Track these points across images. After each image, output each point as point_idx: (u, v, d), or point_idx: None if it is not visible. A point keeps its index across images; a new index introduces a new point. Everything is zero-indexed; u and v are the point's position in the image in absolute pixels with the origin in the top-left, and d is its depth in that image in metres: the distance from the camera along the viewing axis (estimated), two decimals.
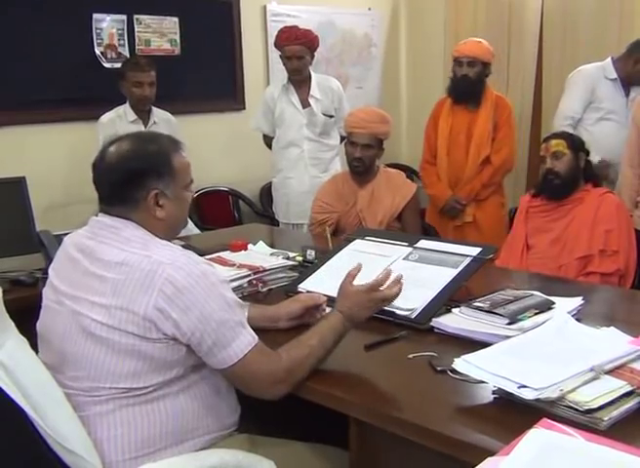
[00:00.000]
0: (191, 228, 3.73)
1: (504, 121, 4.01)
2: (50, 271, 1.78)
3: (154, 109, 4.04)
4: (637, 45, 3.86)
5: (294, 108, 4.19)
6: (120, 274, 1.58)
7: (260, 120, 4.33)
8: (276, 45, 4.18)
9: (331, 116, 4.22)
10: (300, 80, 4.16)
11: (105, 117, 3.93)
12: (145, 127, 3.95)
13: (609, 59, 3.95)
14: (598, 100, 3.91)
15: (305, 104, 4.19)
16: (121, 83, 3.93)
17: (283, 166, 4.28)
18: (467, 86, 3.95)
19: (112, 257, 1.61)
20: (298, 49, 4.05)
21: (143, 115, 3.99)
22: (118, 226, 1.66)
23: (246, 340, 1.62)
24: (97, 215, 1.73)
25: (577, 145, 2.95)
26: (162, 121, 4.04)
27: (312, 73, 4.24)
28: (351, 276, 1.82)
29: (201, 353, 1.61)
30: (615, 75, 3.88)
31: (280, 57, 4.20)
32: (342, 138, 4.25)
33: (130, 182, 1.66)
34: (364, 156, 3.30)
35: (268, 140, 4.37)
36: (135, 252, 1.60)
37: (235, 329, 1.61)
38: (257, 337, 1.65)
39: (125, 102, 3.98)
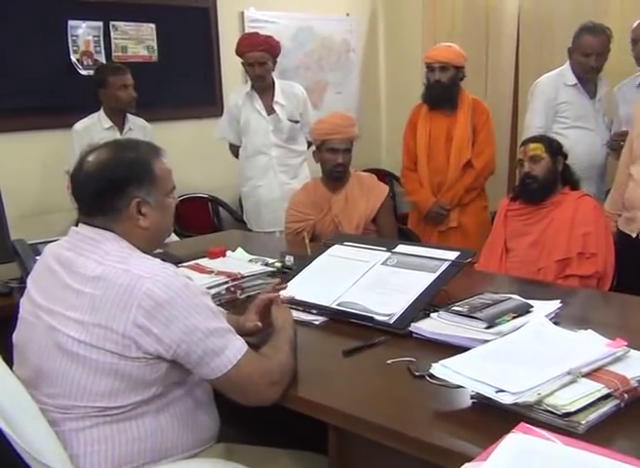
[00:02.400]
0: (170, 236, 3.70)
1: (483, 124, 3.99)
2: (28, 281, 1.74)
3: (129, 116, 4.02)
4: (572, 41, 3.83)
5: (259, 115, 4.17)
6: (97, 289, 1.55)
7: (226, 129, 4.30)
8: (237, 52, 4.15)
9: (296, 121, 4.21)
10: (263, 87, 4.15)
11: (80, 124, 3.91)
12: (121, 134, 3.93)
13: (567, 65, 3.90)
14: (561, 110, 3.87)
15: (270, 111, 4.17)
16: (101, 91, 3.91)
17: (252, 174, 4.25)
18: (441, 91, 3.94)
19: (89, 271, 1.58)
20: (259, 55, 4.03)
21: (119, 122, 3.97)
22: (98, 239, 1.62)
23: (238, 346, 1.61)
24: (77, 225, 1.69)
25: (555, 149, 2.96)
26: (137, 127, 4.02)
27: (275, 79, 4.22)
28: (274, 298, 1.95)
29: (190, 365, 1.58)
30: (574, 80, 3.83)
31: (242, 64, 4.18)
32: (309, 144, 4.26)
33: (110, 191, 1.63)
34: (345, 161, 3.32)
35: (235, 149, 4.35)
36: (112, 265, 1.57)
37: (225, 336, 1.59)
38: (245, 343, 1.64)
39: (99, 110, 3.95)
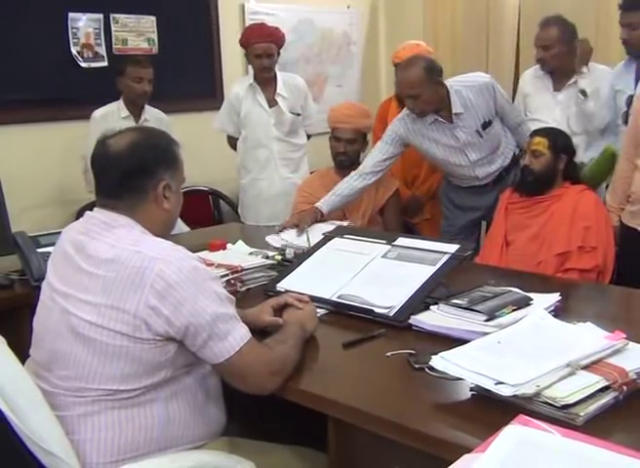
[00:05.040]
0: (181, 226, 3.71)
1: None
2: (48, 265, 1.76)
3: (146, 107, 4.03)
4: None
5: (260, 108, 4.14)
6: (110, 271, 1.57)
7: (225, 121, 4.27)
8: (244, 43, 4.10)
9: (298, 114, 4.20)
10: (267, 78, 4.12)
11: (99, 112, 3.94)
12: (137, 124, 3.92)
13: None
14: (527, 102, 3.81)
15: (272, 103, 4.15)
16: (119, 79, 3.94)
17: (252, 167, 4.23)
18: None
19: (102, 254, 1.59)
20: (267, 46, 4.00)
21: (135, 112, 3.98)
22: (112, 224, 1.64)
23: (242, 333, 1.62)
24: (92, 210, 1.72)
25: (559, 147, 2.93)
26: (153, 119, 4.02)
27: (277, 71, 4.20)
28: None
29: (195, 347, 1.59)
30: (540, 72, 3.74)
31: (245, 55, 4.15)
32: (309, 137, 4.32)
33: (141, 171, 1.67)
34: (348, 150, 3.39)
35: (233, 141, 4.32)
36: (125, 248, 1.58)
37: (230, 322, 1.60)
38: (249, 331, 1.65)
39: (119, 99, 3.98)
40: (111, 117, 3.90)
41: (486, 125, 3.36)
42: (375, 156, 3.33)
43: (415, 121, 3.33)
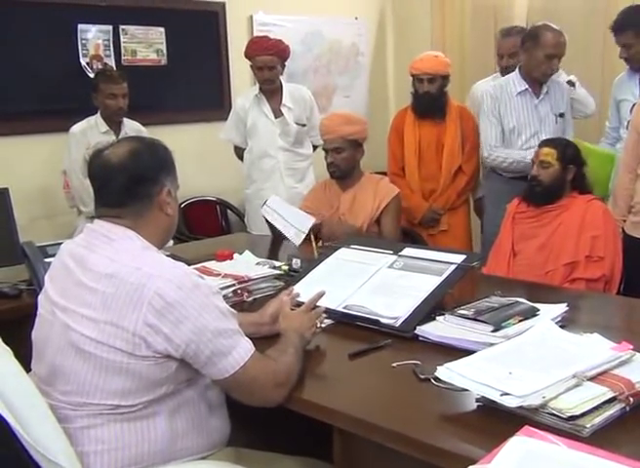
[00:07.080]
0: None
1: (471, 131, 4.07)
2: (46, 278, 1.76)
3: (125, 120, 4.01)
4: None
5: (266, 118, 4.17)
6: (109, 287, 1.56)
7: (231, 131, 4.30)
8: (246, 55, 4.15)
9: (303, 125, 4.22)
10: (271, 90, 4.15)
11: (77, 127, 3.90)
12: (117, 138, 3.91)
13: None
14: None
15: (278, 114, 4.18)
16: (94, 95, 3.91)
17: (257, 177, 4.26)
18: (431, 102, 4.02)
19: (103, 268, 1.59)
20: (268, 59, 4.04)
21: (115, 126, 3.95)
22: (112, 237, 1.64)
23: (245, 347, 1.62)
24: (92, 222, 1.72)
25: (568, 158, 2.92)
26: (133, 131, 3.97)
27: (283, 82, 4.23)
28: (285, 302, 1.96)
29: (199, 365, 1.59)
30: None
31: (250, 67, 4.19)
32: (315, 148, 4.32)
33: (147, 178, 1.68)
34: (336, 160, 3.34)
35: (240, 152, 4.35)
36: (125, 263, 1.58)
37: (233, 337, 1.60)
38: (252, 345, 1.65)
39: (97, 113, 3.95)
40: (90, 132, 3.88)
41: (562, 115, 3.75)
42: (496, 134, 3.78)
43: (503, 90, 3.74)
